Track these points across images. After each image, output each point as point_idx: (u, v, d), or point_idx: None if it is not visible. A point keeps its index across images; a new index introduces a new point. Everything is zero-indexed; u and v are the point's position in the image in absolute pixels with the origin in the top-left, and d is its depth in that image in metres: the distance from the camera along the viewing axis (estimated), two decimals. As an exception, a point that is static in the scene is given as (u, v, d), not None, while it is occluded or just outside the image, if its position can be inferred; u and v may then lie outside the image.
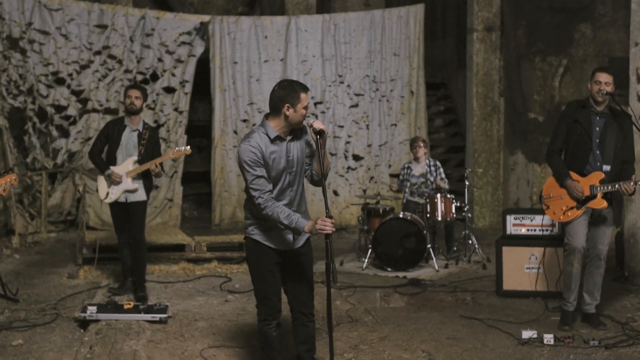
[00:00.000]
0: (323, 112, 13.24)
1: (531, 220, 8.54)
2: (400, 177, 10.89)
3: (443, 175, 10.66)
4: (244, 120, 13.14)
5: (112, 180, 8.28)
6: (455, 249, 10.50)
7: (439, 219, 10.08)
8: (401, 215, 9.93)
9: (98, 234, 10.73)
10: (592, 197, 7.23)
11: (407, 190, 10.68)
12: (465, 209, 10.37)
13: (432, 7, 14.17)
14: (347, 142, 13.46)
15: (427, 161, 10.76)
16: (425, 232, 9.86)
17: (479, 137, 13.57)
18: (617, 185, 7.07)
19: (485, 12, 13.41)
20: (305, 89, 5.35)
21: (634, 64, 9.09)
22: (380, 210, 10.33)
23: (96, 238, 10.17)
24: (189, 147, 8.43)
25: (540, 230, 8.49)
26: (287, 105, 5.27)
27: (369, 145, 13.60)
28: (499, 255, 8.56)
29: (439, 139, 15.57)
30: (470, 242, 10.42)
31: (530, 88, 12.56)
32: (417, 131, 13.66)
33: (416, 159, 10.75)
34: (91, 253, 9.81)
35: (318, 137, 5.28)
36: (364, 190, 13.46)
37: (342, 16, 13.52)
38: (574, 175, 7.30)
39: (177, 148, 8.45)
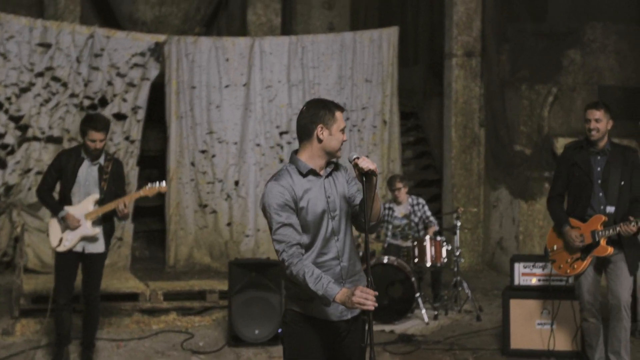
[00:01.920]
0: (289, 143, 12.08)
1: (543, 269, 7.47)
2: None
3: (429, 214, 9.58)
4: (203, 151, 11.92)
5: (68, 225, 6.92)
6: (445, 297, 9.38)
7: (428, 264, 8.97)
8: (386, 261, 8.80)
9: (38, 280, 9.38)
10: (596, 244, 6.42)
11: (389, 232, 9.58)
12: (457, 254, 9.27)
13: (403, 32, 13.16)
14: (315, 176, 12.30)
15: (410, 200, 9.68)
16: (413, 279, 8.75)
17: (457, 170, 12.54)
18: (617, 228, 6.27)
19: (465, 36, 12.42)
20: (340, 107, 4.29)
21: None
22: (361, 254, 9.18)
23: (36, 284, 8.86)
24: (164, 183, 7.18)
25: (553, 280, 7.42)
26: (320, 126, 4.20)
27: (339, 179, 12.46)
28: (506, 309, 7.47)
29: (408, 172, 14.51)
30: (460, 289, 9.31)
31: (516, 118, 11.59)
32: (390, 164, 12.58)
33: (397, 202, 9.65)
34: (29, 304, 8.49)
35: (364, 179, 4.12)
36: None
37: (310, 38, 12.43)
38: (574, 222, 6.53)
39: (150, 184, 7.15)
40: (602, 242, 6.37)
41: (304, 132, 4.23)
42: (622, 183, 6.43)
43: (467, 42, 12.43)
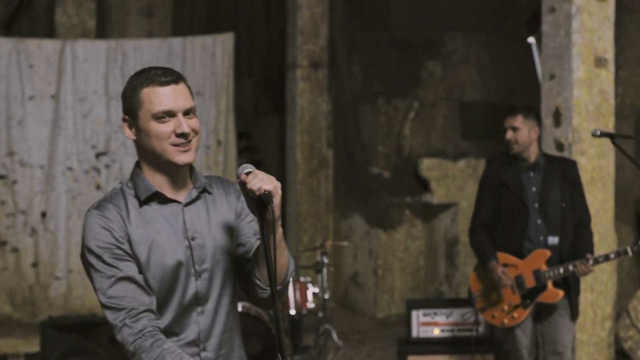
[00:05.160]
0: (108, 166, 10.24)
1: (447, 317, 6.06)
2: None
3: None
4: (1, 177, 9.89)
5: None
6: (312, 349, 7.80)
7: (293, 312, 7.35)
8: (240, 309, 7.11)
9: None
10: (541, 288, 5.06)
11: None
12: (326, 297, 7.72)
13: (235, 43, 11.62)
14: (140, 205, 10.51)
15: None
16: (273, 330, 7.13)
17: (304, 197, 11.05)
18: (571, 268, 4.93)
19: (311, 44, 10.99)
20: (157, 80, 2.66)
21: (550, 102, 6.94)
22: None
23: None
24: None
25: (459, 330, 6.02)
26: (126, 120, 2.71)
27: (167, 208, 10.71)
28: (403, 369, 6.01)
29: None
30: (330, 338, 7.74)
31: (372, 137, 10.27)
32: (226, 190, 10.94)
33: None
34: None
35: (258, 208, 2.46)
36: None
37: (133, 44, 10.62)
38: (510, 259, 5.14)
39: None
40: (550, 285, 5.01)
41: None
42: (564, 205, 5.10)
43: (313, 52, 11.01)
